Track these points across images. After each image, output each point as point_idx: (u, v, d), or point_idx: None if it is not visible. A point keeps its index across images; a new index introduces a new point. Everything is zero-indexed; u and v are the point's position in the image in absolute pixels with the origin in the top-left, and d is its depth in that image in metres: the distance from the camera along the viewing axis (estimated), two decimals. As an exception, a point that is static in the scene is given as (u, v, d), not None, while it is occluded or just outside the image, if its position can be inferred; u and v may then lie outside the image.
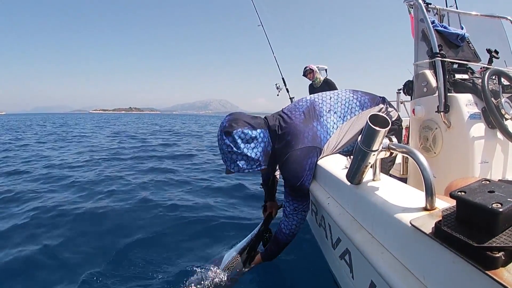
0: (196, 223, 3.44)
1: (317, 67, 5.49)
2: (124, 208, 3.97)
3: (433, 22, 2.43)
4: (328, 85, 4.86)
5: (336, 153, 1.90)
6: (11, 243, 2.94)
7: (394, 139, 1.11)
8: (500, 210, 0.67)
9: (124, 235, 3.13)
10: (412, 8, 2.75)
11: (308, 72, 5.05)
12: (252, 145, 1.85)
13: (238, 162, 1.86)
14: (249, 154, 1.85)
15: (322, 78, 5.02)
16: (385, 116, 1.04)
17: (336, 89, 3.24)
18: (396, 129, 1.99)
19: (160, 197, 4.46)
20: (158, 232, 3.22)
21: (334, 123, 1.88)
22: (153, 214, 3.79)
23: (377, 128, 0.99)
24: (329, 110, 1.92)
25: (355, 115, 1.93)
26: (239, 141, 1.82)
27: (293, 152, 1.78)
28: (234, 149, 1.83)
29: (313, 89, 5.11)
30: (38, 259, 2.69)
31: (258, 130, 1.87)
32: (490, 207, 0.68)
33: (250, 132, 1.84)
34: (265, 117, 1.99)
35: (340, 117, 1.91)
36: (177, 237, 3.13)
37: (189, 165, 7.18)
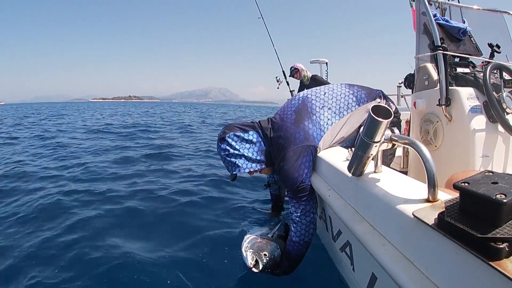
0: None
1: (317, 60, 5.49)
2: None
3: (435, 16, 2.42)
4: (315, 82, 4.83)
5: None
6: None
7: (396, 131, 1.10)
8: (504, 201, 0.66)
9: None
10: (414, 1, 2.74)
11: (294, 72, 5.03)
12: (247, 145, 1.93)
13: (237, 162, 1.92)
14: (245, 153, 1.92)
15: (310, 75, 5.00)
16: (387, 107, 1.03)
17: (324, 84, 3.25)
18: (395, 121, 1.98)
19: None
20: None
21: (328, 119, 1.87)
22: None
23: (379, 119, 0.98)
24: (322, 107, 1.91)
25: (351, 110, 1.91)
26: (233, 143, 1.91)
27: (285, 154, 1.79)
28: (231, 150, 1.91)
29: (303, 87, 5.09)
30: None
31: (250, 132, 1.94)
32: (494, 197, 0.68)
33: (242, 134, 1.92)
34: (258, 121, 2.03)
35: (335, 113, 1.89)
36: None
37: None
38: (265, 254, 1.96)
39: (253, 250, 1.99)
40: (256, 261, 1.92)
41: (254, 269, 1.90)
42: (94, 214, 3.31)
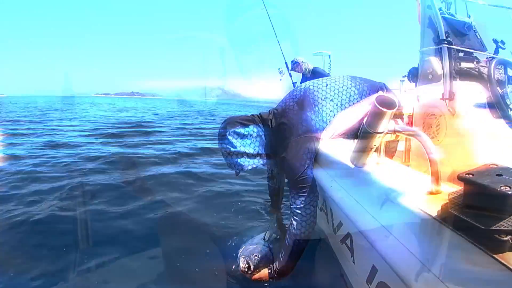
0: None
1: (319, 52, 5.45)
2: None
3: (440, 9, 2.40)
4: (315, 74, 4.82)
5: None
6: None
7: (400, 122, 1.09)
8: (509, 193, 0.65)
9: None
10: (419, -6, 2.71)
11: (295, 66, 5.04)
12: (248, 141, 1.91)
13: (239, 161, 1.92)
14: (247, 150, 1.90)
15: (311, 67, 4.99)
16: (391, 97, 1.02)
17: (325, 76, 3.25)
18: (397, 114, 1.97)
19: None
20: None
21: (331, 111, 1.85)
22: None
23: (383, 109, 0.97)
24: (324, 98, 1.89)
25: (353, 103, 1.90)
26: (233, 140, 1.88)
27: (288, 144, 1.78)
28: (232, 149, 1.89)
29: (305, 79, 5.07)
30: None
31: (251, 126, 1.92)
32: (498, 189, 0.67)
33: (242, 129, 1.89)
34: (259, 114, 2.02)
35: (337, 105, 1.88)
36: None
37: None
38: (255, 256, 2.00)
39: (244, 255, 2.04)
40: (248, 264, 1.96)
41: (248, 273, 1.95)
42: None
